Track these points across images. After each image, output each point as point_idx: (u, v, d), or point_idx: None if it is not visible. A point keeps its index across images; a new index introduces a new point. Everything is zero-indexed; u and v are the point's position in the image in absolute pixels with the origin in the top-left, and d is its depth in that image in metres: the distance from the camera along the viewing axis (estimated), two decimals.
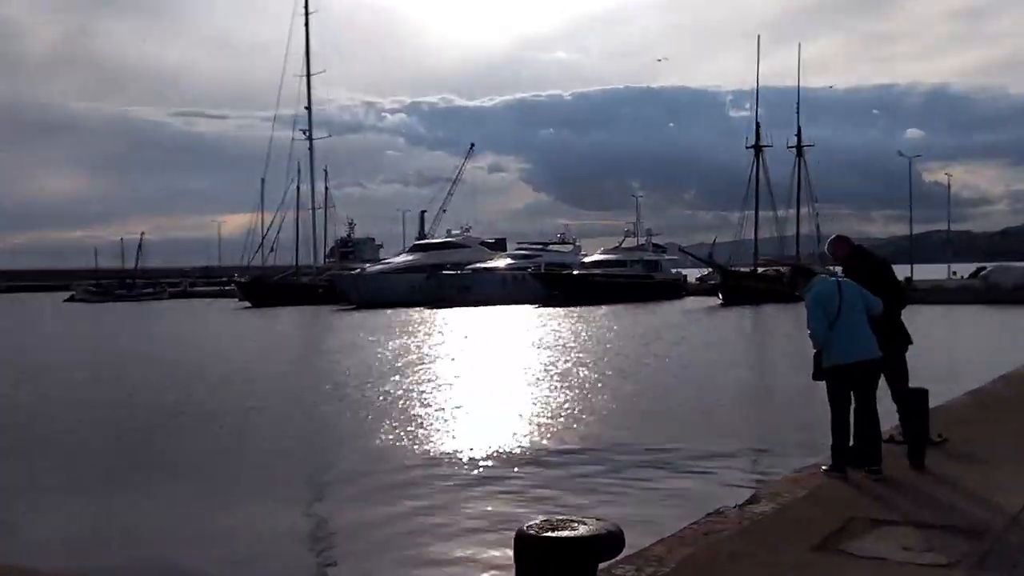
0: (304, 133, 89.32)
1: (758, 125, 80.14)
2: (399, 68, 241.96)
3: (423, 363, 25.93)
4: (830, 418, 7.74)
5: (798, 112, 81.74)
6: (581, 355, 27.54)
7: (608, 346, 31.08)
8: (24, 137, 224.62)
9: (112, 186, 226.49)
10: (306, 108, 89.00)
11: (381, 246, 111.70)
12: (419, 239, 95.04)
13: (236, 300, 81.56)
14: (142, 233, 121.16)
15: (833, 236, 8.87)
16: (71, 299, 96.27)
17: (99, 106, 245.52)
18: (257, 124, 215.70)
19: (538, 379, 21.62)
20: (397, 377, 22.41)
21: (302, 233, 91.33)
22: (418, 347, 31.77)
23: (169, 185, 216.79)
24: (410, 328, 43.70)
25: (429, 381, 21.61)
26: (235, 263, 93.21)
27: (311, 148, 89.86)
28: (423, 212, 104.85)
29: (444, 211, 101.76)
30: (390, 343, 33.92)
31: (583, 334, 37.12)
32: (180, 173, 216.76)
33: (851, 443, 7.69)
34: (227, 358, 29.39)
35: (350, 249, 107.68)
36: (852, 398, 7.68)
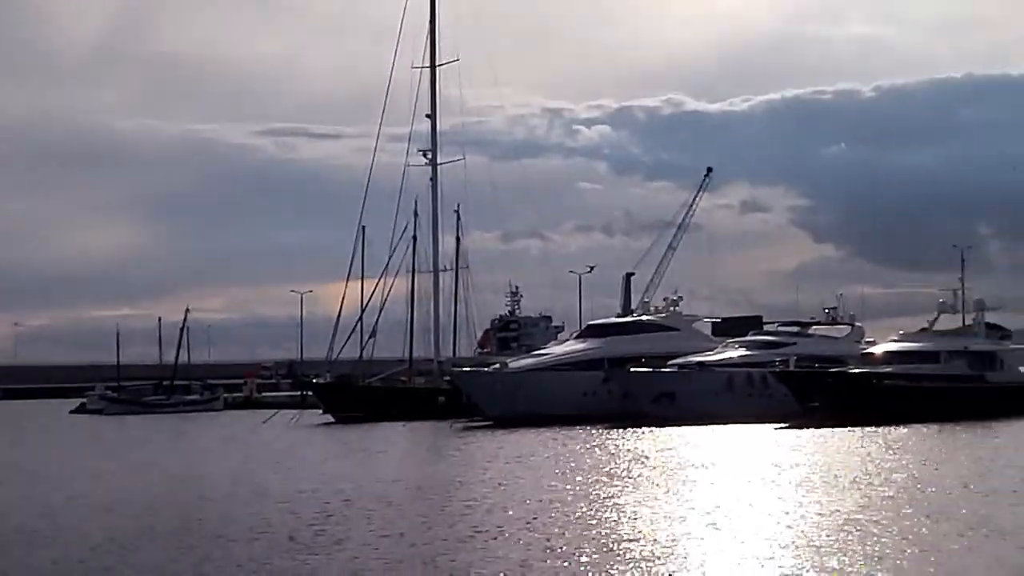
0: (425, 156, 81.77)
1: None
2: (600, 56, 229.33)
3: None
4: None
5: None
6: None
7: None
8: (51, 172, 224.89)
9: (173, 240, 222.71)
10: (428, 116, 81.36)
11: (560, 328, 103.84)
12: (623, 316, 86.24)
13: (320, 411, 76.24)
14: (187, 310, 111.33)
15: None
16: (80, 409, 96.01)
17: (157, 124, 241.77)
18: (386, 145, 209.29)
19: None
20: None
21: (418, 310, 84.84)
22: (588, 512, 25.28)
23: (254, 239, 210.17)
24: (566, 464, 38.04)
25: None
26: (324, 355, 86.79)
27: (434, 177, 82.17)
28: (629, 275, 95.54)
29: (663, 272, 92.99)
30: (524, 500, 27.78)
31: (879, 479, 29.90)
32: (270, 221, 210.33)
33: None
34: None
35: (513, 333, 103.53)
36: None
